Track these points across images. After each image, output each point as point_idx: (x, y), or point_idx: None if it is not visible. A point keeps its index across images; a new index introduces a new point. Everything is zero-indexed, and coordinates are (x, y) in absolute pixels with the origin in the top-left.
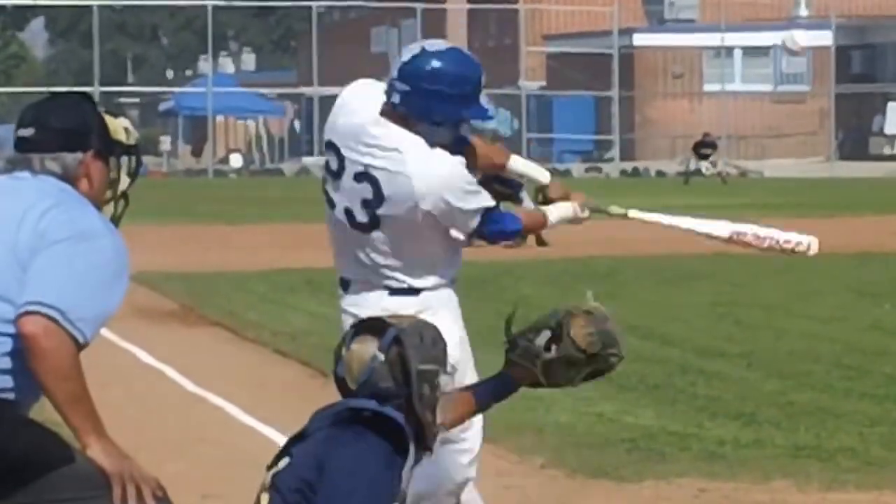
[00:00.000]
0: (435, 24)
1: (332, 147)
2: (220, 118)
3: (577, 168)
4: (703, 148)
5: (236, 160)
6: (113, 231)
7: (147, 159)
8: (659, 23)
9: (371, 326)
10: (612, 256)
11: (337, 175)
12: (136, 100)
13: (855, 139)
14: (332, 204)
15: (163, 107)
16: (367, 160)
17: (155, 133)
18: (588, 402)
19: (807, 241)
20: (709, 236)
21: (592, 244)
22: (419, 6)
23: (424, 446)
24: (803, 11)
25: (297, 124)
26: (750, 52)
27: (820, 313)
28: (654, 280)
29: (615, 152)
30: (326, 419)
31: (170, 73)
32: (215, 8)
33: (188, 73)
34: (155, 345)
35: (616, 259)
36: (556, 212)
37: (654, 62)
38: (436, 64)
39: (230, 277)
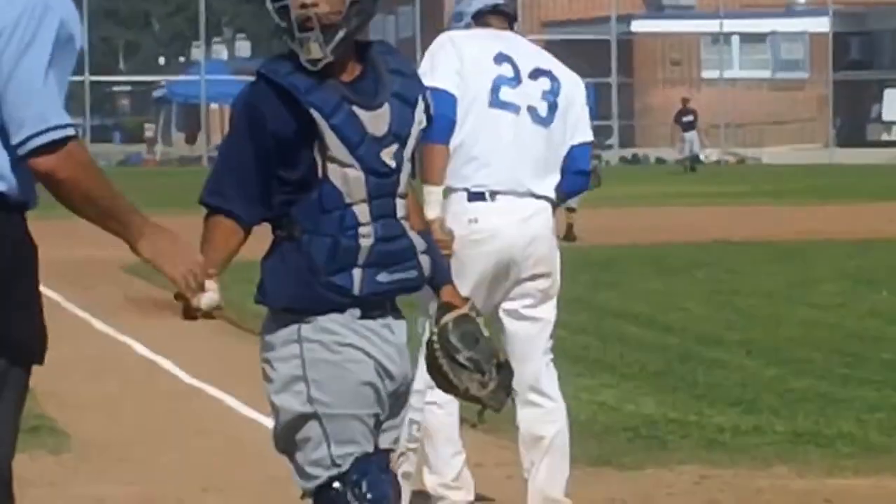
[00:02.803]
0: (432, 12)
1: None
2: (213, 105)
3: None
4: (685, 116)
5: None
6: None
7: (141, 147)
8: (657, 9)
9: None
10: (611, 245)
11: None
12: (129, 88)
13: (853, 126)
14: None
15: (155, 94)
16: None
17: (147, 121)
18: (589, 391)
19: None
20: None
21: (592, 233)
22: None
23: None
24: None
25: None
26: (748, 38)
27: (819, 300)
28: (653, 268)
29: (614, 139)
30: None
31: (162, 61)
32: None
33: (181, 60)
34: (151, 336)
35: (616, 248)
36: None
37: (653, 49)
38: None
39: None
